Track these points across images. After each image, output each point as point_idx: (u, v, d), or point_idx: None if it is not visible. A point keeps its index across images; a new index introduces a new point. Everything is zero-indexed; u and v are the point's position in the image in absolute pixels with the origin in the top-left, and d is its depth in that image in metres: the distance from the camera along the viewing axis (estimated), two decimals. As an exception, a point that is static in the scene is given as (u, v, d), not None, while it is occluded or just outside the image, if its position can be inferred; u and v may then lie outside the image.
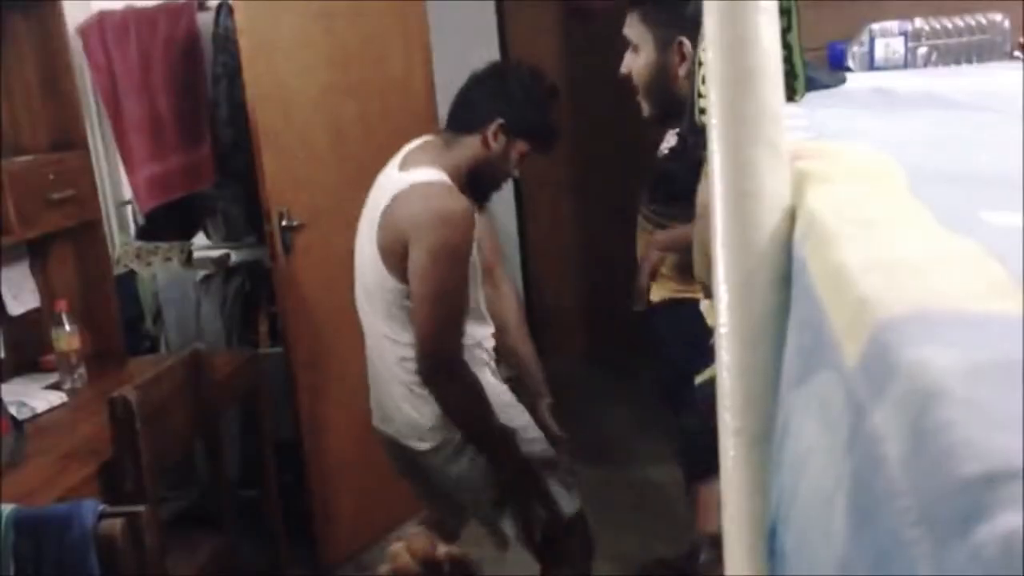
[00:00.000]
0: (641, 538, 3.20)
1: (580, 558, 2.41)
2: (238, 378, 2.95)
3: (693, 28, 1.71)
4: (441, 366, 2.13)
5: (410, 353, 2.18)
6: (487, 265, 2.37)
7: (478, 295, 2.28)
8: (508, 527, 2.30)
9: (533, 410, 2.40)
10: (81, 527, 1.83)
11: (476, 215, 2.19)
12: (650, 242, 2.40)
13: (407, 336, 2.18)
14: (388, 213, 2.14)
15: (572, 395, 4.63)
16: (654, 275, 2.34)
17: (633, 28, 1.84)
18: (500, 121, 2.19)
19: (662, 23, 1.77)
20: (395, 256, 2.14)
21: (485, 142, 2.20)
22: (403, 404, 2.24)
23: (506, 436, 2.23)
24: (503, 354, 2.42)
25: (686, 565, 2.57)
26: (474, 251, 2.21)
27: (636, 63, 1.86)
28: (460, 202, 2.13)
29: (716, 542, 1.04)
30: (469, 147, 2.21)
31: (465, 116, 2.25)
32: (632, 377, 4.60)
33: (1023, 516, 0.27)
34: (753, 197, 0.55)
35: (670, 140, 2.30)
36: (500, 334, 2.39)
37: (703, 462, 1.04)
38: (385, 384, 2.28)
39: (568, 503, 2.35)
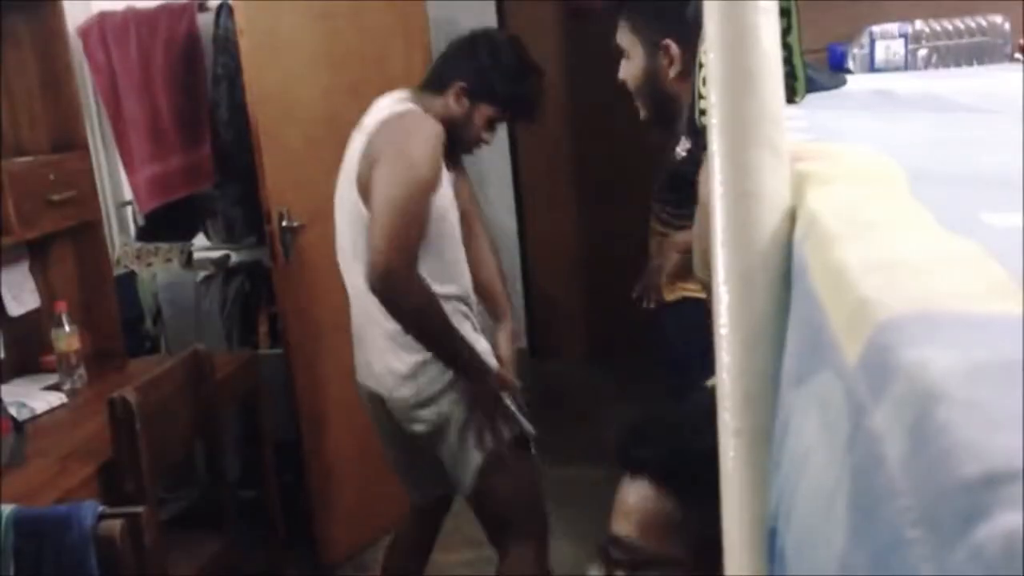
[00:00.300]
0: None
1: (537, 532, 2.42)
2: (238, 379, 2.95)
3: (679, 29, 1.72)
4: (392, 273, 2.13)
5: None
6: (462, 209, 2.41)
7: (457, 249, 2.34)
8: (475, 456, 2.31)
9: (492, 337, 2.46)
10: (81, 528, 1.83)
11: (453, 166, 2.30)
12: (666, 243, 2.42)
13: None
14: (366, 151, 2.22)
15: (572, 395, 4.63)
16: (673, 277, 2.35)
17: (623, 36, 1.88)
18: (462, 84, 2.28)
19: (648, 28, 1.80)
20: (370, 189, 2.20)
21: (447, 103, 2.29)
22: (386, 354, 2.30)
23: (466, 343, 2.27)
24: (475, 288, 2.45)
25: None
26: (455, 207, 2.29)
27: (629, 69, 1.89)
28: (428, 124, 2.22)
29: (617, 543, 1.04)
30: (436, 106, 2.29)
31: (434, 77, 2.36)
32: (633, 377, 4.61)
33: (1023, 516, 0.27)
34: (753, 198, 0.55)
35: (686, 142, 2.32)
36: (473, 269, 2.43)
37: (638, 460, 1.06)
38: (369, 338, 2.34)
39: (527, 428, 2.39)
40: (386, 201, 2.15)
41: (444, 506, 2.64)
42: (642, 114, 1.97)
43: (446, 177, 2.27)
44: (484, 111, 2.31)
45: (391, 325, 2.24)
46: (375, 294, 2.17)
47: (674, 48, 1.70)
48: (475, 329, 2.37)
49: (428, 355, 2.26)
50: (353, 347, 2.44)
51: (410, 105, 2.28)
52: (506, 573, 2.44)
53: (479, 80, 2.28)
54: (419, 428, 2.32)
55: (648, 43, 1.80)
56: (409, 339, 2.25)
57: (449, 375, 2.27)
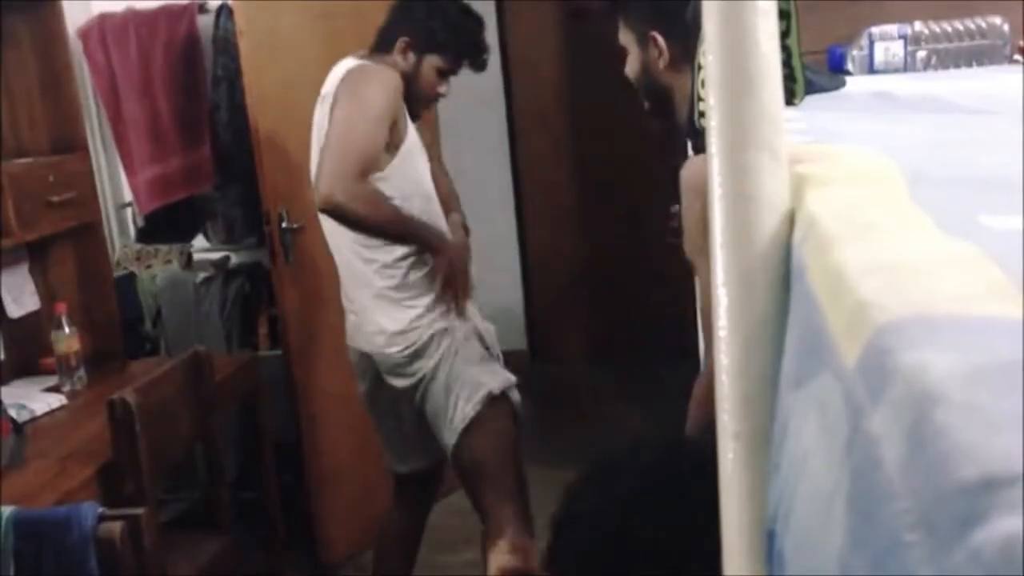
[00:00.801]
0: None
1: (516, 493, 2.45)
2: (238, 380, 2.95)
3: (665, 22, 1.77)
4: (335, 184, 2.19)
5: (380, 257, 2.33)
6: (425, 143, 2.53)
7: (430, 191, 2.42)
8: (459, 411, 2.37)
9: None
10: (80, 529, 1.83)
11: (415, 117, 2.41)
12: None
13: (372, 240, 2.33)
14: (331, 111, 2.29)
15: (572, 396, 4.63)
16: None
17: (622, 34, 1.94)
18: (405, 39, 2.36)
19: (638, 22, 1.86)
20: None
21: (396, 61, 2.37)
22: (375, 313, 2.38)
23: (423, 223, 2.36)
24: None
25: None
26: (423, 154, 2.40)
27: (630, 65, 1.94)
28: (385, 71, 2.32)
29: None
30: (387, 64, 2.37)
31: (380, 39, 2.43)
32: (633, 378, 4.61)
33: (1022, 520, 0.27)
34: (752, 200, 0.55)
35: None
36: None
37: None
38: (359, 300, 2.42)
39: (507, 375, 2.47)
40: (334, 128, 2.23)
41: (427, 490, 2.67)
42: (645, 106, 2.01)
43: (411, 127, 2.38)
44: (432, 62, 2.38)
45: (381, 282, 2.34)
46: (325, 213, 2.25)
47: (660, 40, 1.75)
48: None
49: (419, 311, 2.34)
50: (344, 311, 2.52)
51: (364, 61, 2.37)
52: (490, 539, 2.46)
53: (421, 32, 2.36)
54: (406, 383, 2.39)
55: (640, 37, 1.86)
56: (400, 296, 2.34)
57: (437, 325, 2.35)
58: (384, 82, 2.30)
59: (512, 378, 2.46)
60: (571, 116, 4.88)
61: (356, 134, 2.23)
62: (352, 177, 2.20)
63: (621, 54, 1.92)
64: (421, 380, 2.38)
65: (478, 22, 2.46)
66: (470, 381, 2.37)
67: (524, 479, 2.49)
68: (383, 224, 2.30)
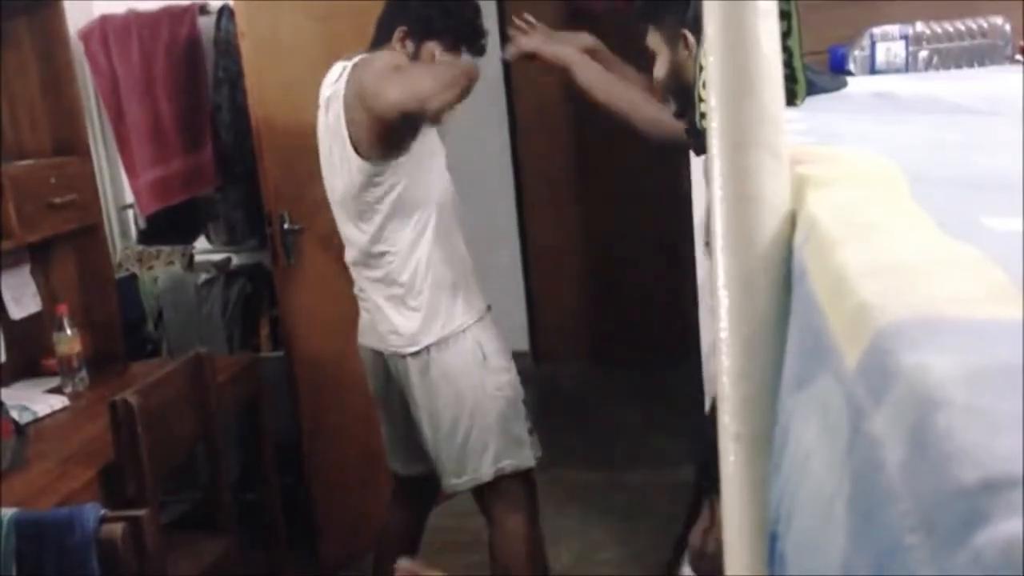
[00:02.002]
0: (643, 540, 3.20)
1: (525, 498, 2.47)
2: (239, 381, 2.95)
3: (698, 22, 1.77)
4: (397, 89, 2.20)
5: (391, 250, 2.33)
6: None
7: (443, 165, 2.43)
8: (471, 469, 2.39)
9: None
10: (82, 531, 1.83)
11: None
12: None
13: (383, 234, 2.33)
14: (347, 104, 2.29)
15: (573, 397, 4.63)
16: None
17: (651, 37, 1.96)
18: (402, 28, 2.37)
19: (668, 24, 1.86)
20: (359, 125, 2.28)
21: (395, 51, 2.37)
22: (390, 312, 2.38)
23: (462, 68, 2.35)
24: None
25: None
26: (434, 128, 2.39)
27: (659, 68, 1.95)
28: (390, 53, 2.35)
29: (702, 555, 1.04)
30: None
31: (377, 35, 2.43)
32: (634, 379, 4.61)
33: (1023, 522, 0.27)
34: (754, 201, 0.55)
35: None
36: None
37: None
38: (372, 302, 2.42)
39: (529, 453, 2.46)
40: (362, 90, 2.24)
41: (428, 492, 2.67)
42: (672, 108, 2.02)
43: None
44: (430, 49, 2.38)
45: (396, 278, 2.34)
46: (407, 113, 2.21)
47: (691, 38, 1.76)
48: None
49: (432, 309, 2.35)
50: (350, 309, 2.53)
51: (364, 55, 2.37)
52: (497, 543, 2.47)
53: (417, 20, 2.37)
54: (428, 383, 2.38)
55: (669, 38, 1.87)
56: (412, 298, 2.35)
57: (452, 325, 2.35)
58: (395, 59, 2.32)
59: (530, 458, 2.46)
60: (572, 116, 4.88)
61: (381, 68, 2.26)
62: (395, 74, 2.22)
63: (650, 58, 1.93)
64: (431, 381, 2.37)
65: (474, 8, 2.47)
66: (488, 432, 2.38)
67: (534, 484, 2.49)
68: (443, 89, 2.26)
